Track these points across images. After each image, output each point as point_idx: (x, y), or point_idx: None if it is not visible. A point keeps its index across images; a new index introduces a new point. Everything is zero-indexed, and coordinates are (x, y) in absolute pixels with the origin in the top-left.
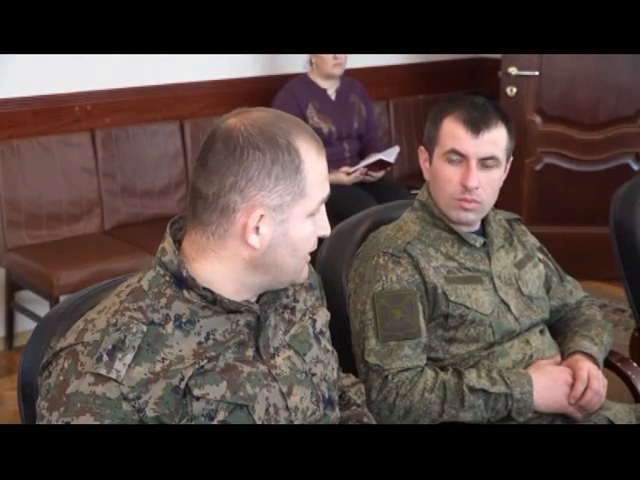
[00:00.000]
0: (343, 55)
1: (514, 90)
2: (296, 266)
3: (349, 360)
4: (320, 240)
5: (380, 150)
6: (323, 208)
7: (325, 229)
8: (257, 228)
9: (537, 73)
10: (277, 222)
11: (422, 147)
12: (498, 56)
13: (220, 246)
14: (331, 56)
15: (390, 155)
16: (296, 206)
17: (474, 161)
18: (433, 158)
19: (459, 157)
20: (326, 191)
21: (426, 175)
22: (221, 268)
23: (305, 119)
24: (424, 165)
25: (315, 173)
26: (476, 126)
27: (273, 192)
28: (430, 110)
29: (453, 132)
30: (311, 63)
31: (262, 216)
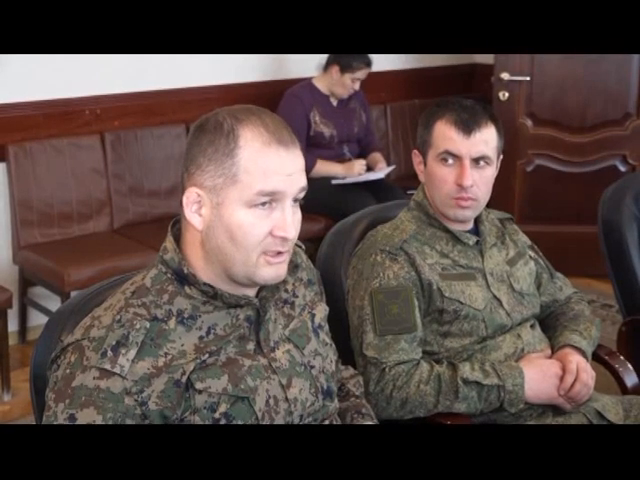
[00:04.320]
0: (359, 83)
1: (506, 95)
2: (243, 257)
3: (348, 353)
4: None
5: (376, 149)
6: (287, 208)
7: (282, 230)
8: (200, 209)
9: (528, 78)
10: (213, 204)
11: (416, 151)
12: (491, 62)
13: (185, 228)
14: (350, 81)
15: (383, 172)
16: (230, 191)
17: (467, 161)
18: (427, 160)
19: (453, 158)
20: (268, 185)
21: (421, 177)
22: (192, 254)
23: (309, 123)
24: (418, 168)
25: (253, 162)
26: (467, 127)
27: (205, 172)
28: (421, 115)
29: (445, 134)
30: (325, 70)
31: (199, 195)
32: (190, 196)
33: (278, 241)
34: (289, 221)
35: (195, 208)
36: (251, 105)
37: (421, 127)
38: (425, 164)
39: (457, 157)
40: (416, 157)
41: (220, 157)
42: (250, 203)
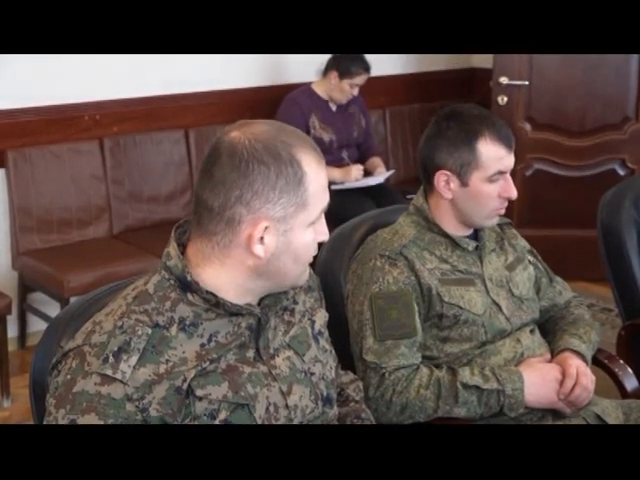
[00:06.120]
0: (357, 89)
1: (505, 99)
2: (298, 271)
3: (347, 358)
4: (319, 244)
5: (376, 153)
6: (322, 214)
7: (324, 234)
8: (262, 238)
9: (527, 83)
10: (281, 232)
11: (443, 171)
12: (489, 66)
13: (225, 255)
14: (348, 86)
15: (382, 177)
16: (299, 216)
17: (509, 173)
18: (470, 181)
19: (501, 175)
20: (326, 199)
21: (447, 195)
22: (225, 274)
23: (308, 128)
24: (445, 187)
25: (316, 184)
26: (510, 141)
27: (277, 204)
28: (446, 135)
29: (497, 154)
30: (324, 75)
31: (267, 227)
32: (261, 230)
33: (317, 247)
34: (326, 227)
35: (258, 238)
36: (264, 120)
37: (455, 149)
38: (464, 184)
39: (504, 173)
40: (442, 177)
41: (292, 188)
42: (313, 222)
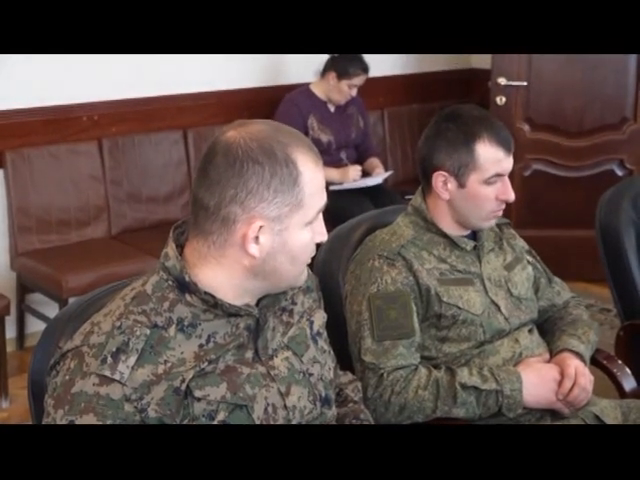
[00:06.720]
0: (356, 89)
1: (503, 99)
2: (295, 272)
3: (346, 359)
4: (317, 245)
5: (374, 154)
6: (320, 215)
7: (322, 235)
8: (257, 238)
9: (525, 83)
10: (276, 232)
11: (442, 172)
12: (488, 67)
13: (220, 254)
14: (347, 87)
15: (381, 177)
16: (294, 216)
17: (507, 176)
18: (468, 182)
19: (498, 177)
20: (323, 200)
21: (445, 196)
22: (221, 274)
23: (306, 129)
24: (443, 187)
25: (312, 184)
26: (508, 144)
27: (272, 204)
28: (445, 136)
29: (495, 156)
30: (322, 76)
31: (261, 227)
32: (255, 230)
33: (315, 248)
34: (324, 228)
35: (253, 238)
36: (261, 119)
37: (453, 150)
38: (461, 185)
39: (501, 175)
40: (440, 177)
41: (287, 187)
42: (309, 222)
